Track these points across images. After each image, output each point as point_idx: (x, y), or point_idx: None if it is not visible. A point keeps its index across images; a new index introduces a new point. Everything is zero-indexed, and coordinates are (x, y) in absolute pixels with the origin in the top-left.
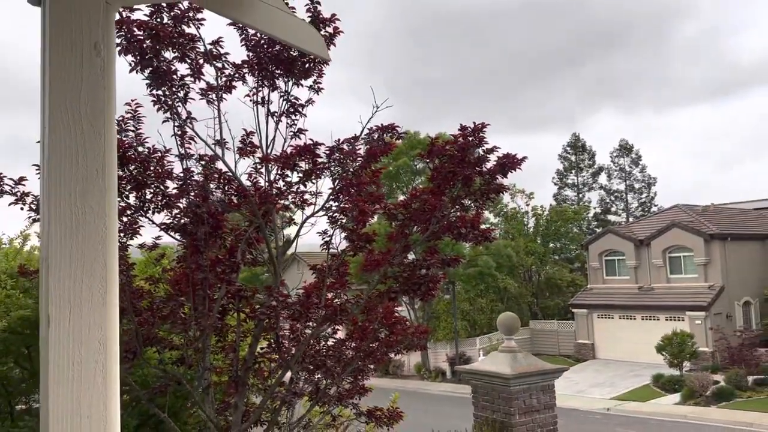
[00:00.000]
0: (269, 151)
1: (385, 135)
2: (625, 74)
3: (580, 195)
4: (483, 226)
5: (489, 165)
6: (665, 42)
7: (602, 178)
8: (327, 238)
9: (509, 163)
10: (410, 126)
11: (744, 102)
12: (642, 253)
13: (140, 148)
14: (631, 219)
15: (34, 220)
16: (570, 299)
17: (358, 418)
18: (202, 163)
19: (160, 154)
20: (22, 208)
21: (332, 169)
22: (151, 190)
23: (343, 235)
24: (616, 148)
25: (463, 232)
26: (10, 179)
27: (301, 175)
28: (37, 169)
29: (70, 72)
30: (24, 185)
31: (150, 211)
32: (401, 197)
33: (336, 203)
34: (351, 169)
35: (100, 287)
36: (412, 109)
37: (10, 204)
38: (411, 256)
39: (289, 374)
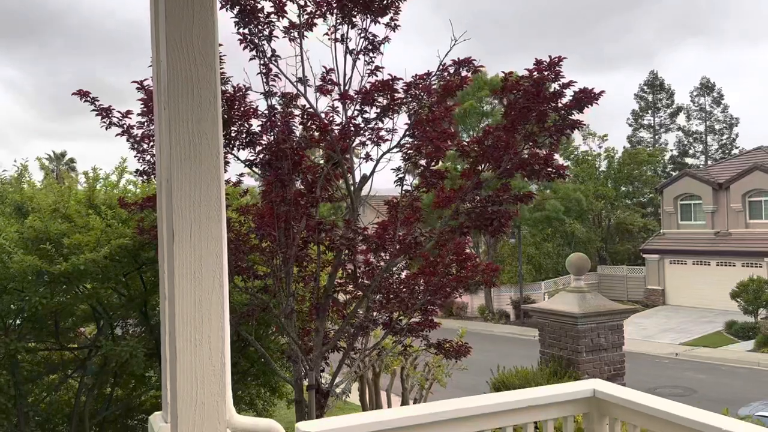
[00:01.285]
0: (347, 88)
1: (461, 69)
2: (709, 7)
3: (657, 136)
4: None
5: (564, 100)
6: None
7: (681, 119)
8: (401, 175)
9: (586, 97)
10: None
11: None
12: (720, 197)
13: (225, 86)
14: (710, 161)
15: (138, 152)
16: (641, 244)
17: (428, 348)
18: (284, 100)
19: (243, 92)
20: (128, 140)
21: (408, 105)
22: (236, 128)
23: (417, 171)
24: (697, 86)
25: (536, 169)
26: (118, 111)
27: (378, 111)
28: (141, 104)
29: (184, 11)
30: (130, 118)
31: (235, 148)
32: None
33: (411, 139)
34: (427, 105)
35: (215, 206)
36: (479, 47)
37: (117, 135)
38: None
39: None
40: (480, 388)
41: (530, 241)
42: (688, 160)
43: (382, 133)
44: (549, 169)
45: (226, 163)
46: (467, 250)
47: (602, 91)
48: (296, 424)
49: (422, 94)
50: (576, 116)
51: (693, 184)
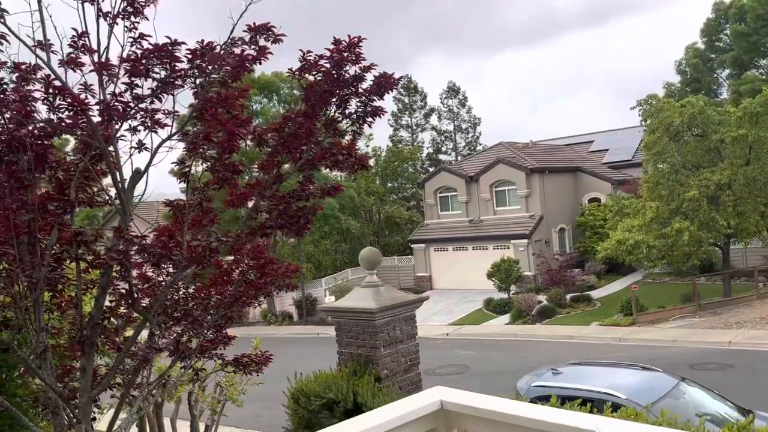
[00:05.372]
0: (103, 59)
1: (258, 37)
2: (452, 17)
3: (414, 136)
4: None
5: (365, 85)
6: None
7: (433, 119)
8: (186, 169)
9: (386, 82)
10: None
11: (559, 46)
12: (472, 188)
13: None
14: (459, 157)
15: None
16: (408, 236)
17: (224, 368)
18: (20, 72)
19: None
20: None
21: (195, 79)
22: None
23: (206, 164)
24: (445, 89)
25: (340, 159)
26: None
27: (157, 84)
28: None
29: None
30: None
31: None
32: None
33: (200, 123)
34: (218, 79)
35: None
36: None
37: None
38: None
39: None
40: (278, 398)
41: (308, 239)
42: (442, 157)
43: (159, 116)
44: (352, 160)
45: None
46: (267, 254)
47: (402, 76)
48: None
49: (210, 67)
50: (377, 102)
51: (449, 177)
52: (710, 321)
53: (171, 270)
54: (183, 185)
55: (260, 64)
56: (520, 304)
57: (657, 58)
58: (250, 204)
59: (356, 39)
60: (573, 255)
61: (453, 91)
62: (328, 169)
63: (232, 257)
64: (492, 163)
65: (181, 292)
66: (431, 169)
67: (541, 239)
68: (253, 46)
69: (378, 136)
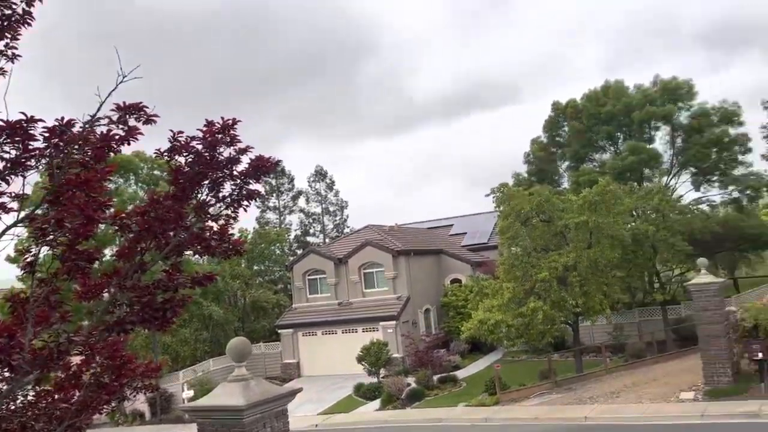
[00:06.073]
0: None
1: (128, 117)
2: (319, 105)
3: (282, 218)
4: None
5: (240, 167)
6: (352, 77)
7: (301, 202)
8: (31, 258)
9: (263, 165)
10: None
11: (419, 135)
12: (341, 270)
13: None
14: (327, 240)
15: None
16: (276, 320)
17: None
18: None
19: None
20: None
21: (52, 159)
22: None
23: (55, 252)
24: (312, 173)
25: (212, 245)
26: None
27: (4, 165)
28: None
29: None
30: None
31: None
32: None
33: (54, 208)
34: (78, 159)
35: None
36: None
37: None
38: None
39: None
40: None
41: None
42: (310, 239)
43: (4, 199)
44: (226, 245)
45: None
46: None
47: (279, 160)
48: None
49: (70, 147)
50: (253, 185)
51: (317, 260)
52: (566, 397)
53: (8, 375)
54: (22, 272)
55: (129, 144)
56: (390, 388)
57: (506, 148)
58: (106, 296)
59: (231, 121)
60: (439, 335)
61: (320, 174)
62: (191, 254)
63: (81, 356)
64: (360, 245)
65: (18, 401)
66: (299, 252)
67: (408, 320)
68: (121, 126)
69: (244, 218)
